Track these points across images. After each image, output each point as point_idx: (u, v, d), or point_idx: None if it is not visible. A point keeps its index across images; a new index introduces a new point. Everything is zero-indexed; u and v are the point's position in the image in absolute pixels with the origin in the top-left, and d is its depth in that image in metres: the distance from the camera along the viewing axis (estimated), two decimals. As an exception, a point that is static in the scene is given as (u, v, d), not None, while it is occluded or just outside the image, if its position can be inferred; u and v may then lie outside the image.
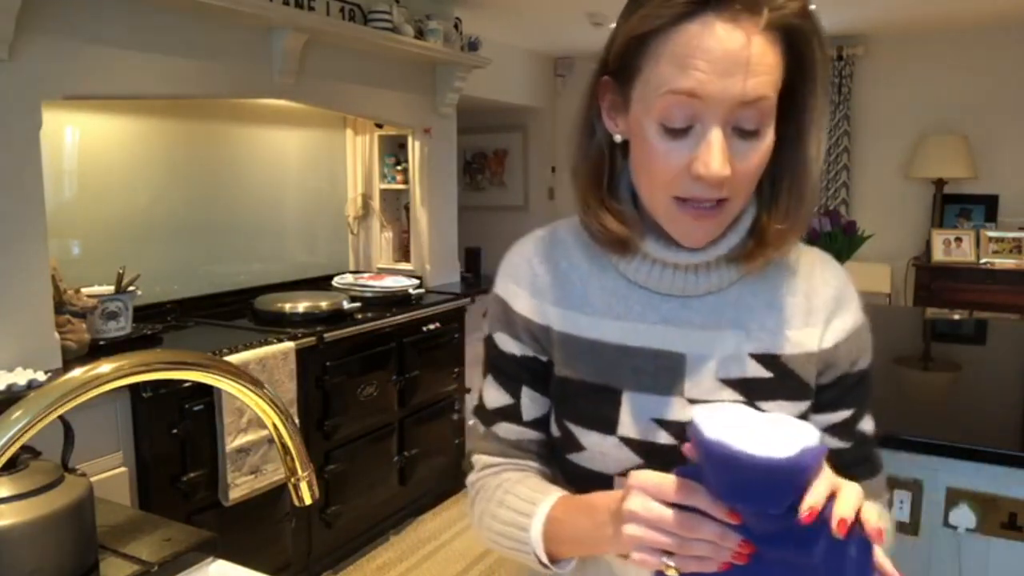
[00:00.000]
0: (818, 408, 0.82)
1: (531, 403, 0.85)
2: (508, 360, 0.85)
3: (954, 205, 4.63)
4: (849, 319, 0.81)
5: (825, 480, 0.61)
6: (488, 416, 0.87)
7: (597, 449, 0.79)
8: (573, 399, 0.81)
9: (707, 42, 0.65)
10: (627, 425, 0.78)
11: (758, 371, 0.78)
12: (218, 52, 2.59)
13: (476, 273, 4.15)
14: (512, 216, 5.55)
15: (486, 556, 2.93)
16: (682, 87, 0.66)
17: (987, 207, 4.58)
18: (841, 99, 4.83)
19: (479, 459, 0.88)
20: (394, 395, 3.04)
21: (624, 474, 0.77)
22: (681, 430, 0.76)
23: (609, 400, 0.78)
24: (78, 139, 2.55)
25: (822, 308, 0.80)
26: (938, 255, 4.42)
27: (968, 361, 2.22)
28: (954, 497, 1.40)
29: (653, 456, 0.77)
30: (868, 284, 4.69)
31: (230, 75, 2.65)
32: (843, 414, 0.82)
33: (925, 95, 4.69)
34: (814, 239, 2.29)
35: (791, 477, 0.59)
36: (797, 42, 0.69)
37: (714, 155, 0.67)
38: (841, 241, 2.31)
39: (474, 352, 3.61)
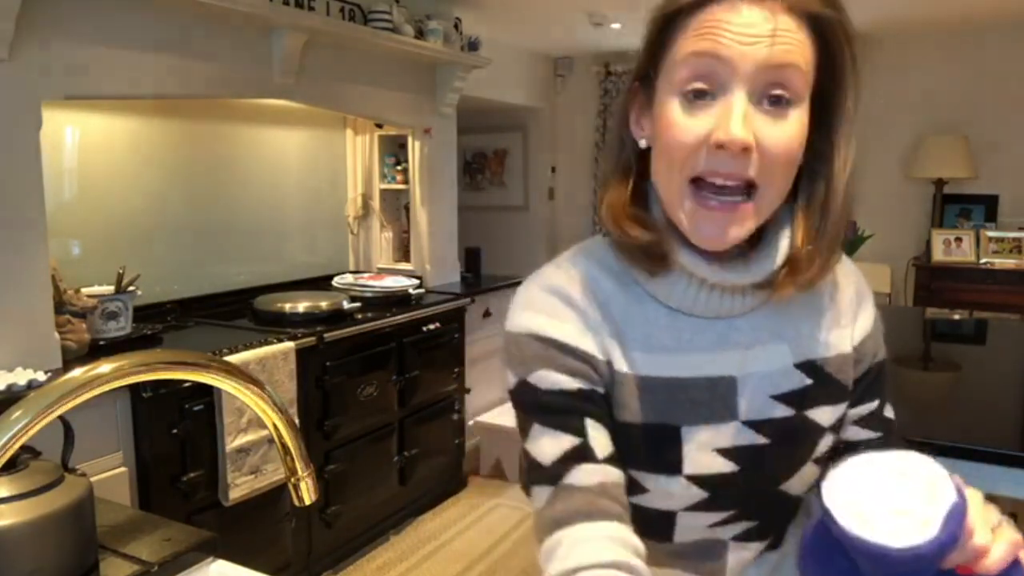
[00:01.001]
0: (851, 403, 0.82)
1: (601, 437, 0.71)
2: (560, 396, 0.71)
3: (954, 205, 4.63)
4: (869, 313, 0.83)
5: (979, 535, 0.57)
6: (551, 471, 0.69)
7: (663, 491, 0.75)
8: (630, 444, 0.74)
9: (730, 16, 0.65)
10: (692, 463, 0.74)
11: (802, 380, 0.77)
12: (218, 52, 2.59)
13: (476, 273, 4.15)
14: (512, 216, 5.55)
15: (486, 556, 2.93)
16: (703, 48, 0.65)
17: (987, 207, 4.58)
18: (841, 99, 4.82)
19: (555, 542, 0.66)
20: (394, 395, 3.04)
21: (688, 509, 0.76)
22: (740, 454, 0.75)
23: (669, 440, 0.74)
24: (78, 139, 2.55)
25: (848, 307, 0.82)
26: (938, 255, 4.42)
27: (968, 361, 2.22)
28: (954, 497, 1.40)
29: (719, 487, 0.75)
30: (868, 284, 4.68)
31: (230, 75, 2.64)
32: (871, 405, 0.83)
33: (925, 95, 4.69)
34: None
35: (940, 554, 0.56)
36: (827, 36, 0.68)
37: (735, 119, 0.64)
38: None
39: (474, 352, 3.61)
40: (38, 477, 0.86)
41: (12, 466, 0.85)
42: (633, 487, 0.75)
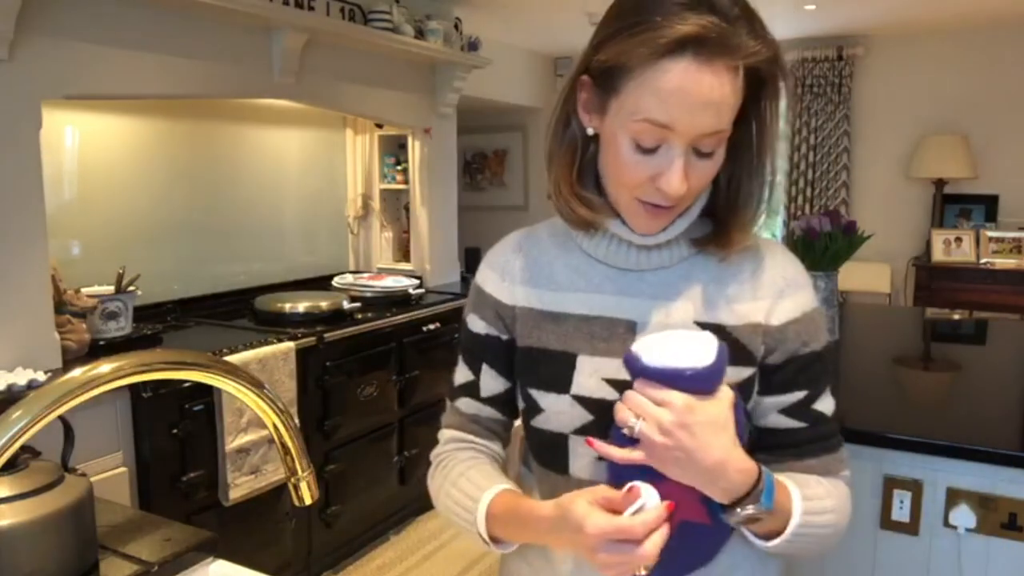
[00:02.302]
0: (771, 389, 0.86)
1: (490, 380, 0.94)
2: (474, 339, 0.95)
3: (954, 205, 4.63)
4: (801, 302, 0.87)
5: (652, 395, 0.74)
6: (453, 392, 0.98)
7: (553, 409, 0.86)
8: (534, 366, 0.89)
9: (685, 84, 0.73)
10: (580, 384, 0.85)
11: None
12: (218, 52, 2.59)
13: (476, 273, 4.15)
14: (512, 216, 5.55)
15: (486, 556, 2.93)
16: (658, 119, 0.74)
17: (987, 207, 4.58)
18: (841, 99, 4.83)
19: (443, 433, 0.98)
20: (394, 395, 3.04)
21: (578, 432, 0.85)
22: (626, 386, 0.84)
23: (565, 364, 0.86)
24: (78, 139, 2.55)
25: (769, 285, 0.87)
26: (938, 255, 4.42)
27: (968, 361, 2.22)
28: (954, 497, 1.40)
29: (603, 413, 0.83)
30: (868, 284, 4.69)
31: (230, 75, 2.65)
32: (797, 395, 0.86)
33: (925, 95, 4.69)
34: (814, 239, 2.29)
35: (632, 370, 0.76)
36: (763, 75, 0.78)
37: (675, 176, 0.76)
38: (841, 241, 2.31)
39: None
40: (38, 477, 0.86)
41: (12, 466, 0.85)
42: (532, 409, 0.89)
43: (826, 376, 0.88)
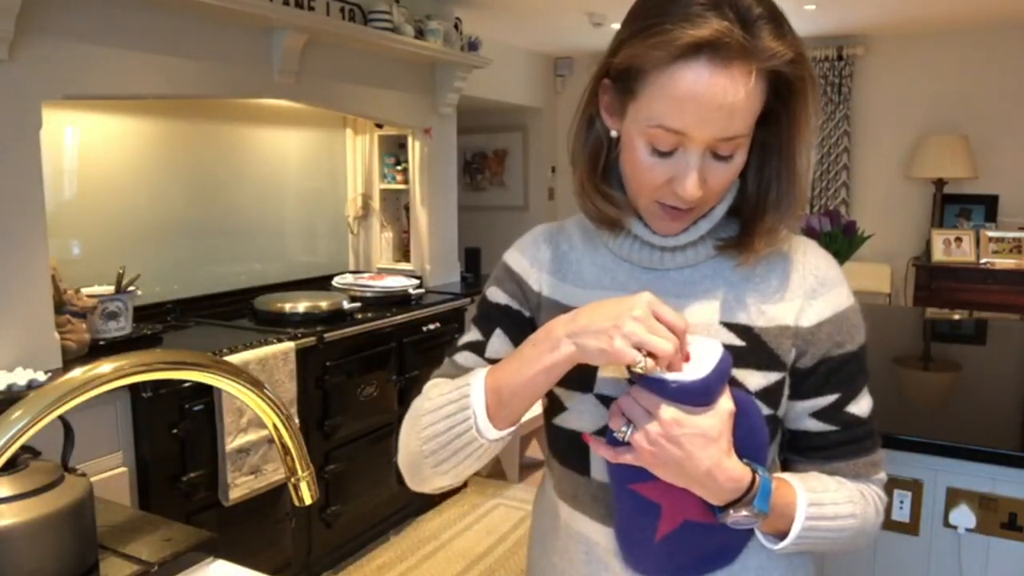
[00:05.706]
0: (803, 394, 0.84)
1: (499, 344, 0.91)
2: (492, 307, 0.94)
3: (954, 205, 4.63)
4: (834, 301, 0.84)
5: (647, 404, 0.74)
6: (455, 349, 0.95)
7: (576, 408, 0.86)
8: None
9: (698, 90, 0.71)
10: (603, 384, 0.84)
11: (730, 339, 0.82)
12: (218, 52, 2.59)
13: (476, 273, 4.15)
14: (512, 216, 5.55)
15: (486, 556, 2.93)
16: (672, 126, 0.74)
17: (987, 207, 4.58)
18: (841, 99, 4.83)
19: (428, 383, 0.91)
20: (394, 395, 3.04)
21: (599, 432, 0.84)
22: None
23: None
24: (78, 139, 2.55)
25: (801, 285, 0.84)
26: (938, 255, 4.42)
27: (968, 361, 2.22)
28: (954, 497, 1.40)
29: None
30: (868, 284, 4.69)
31: (230, 75, 2.65)
32: (829, 398, 0.84)
33: (925, 95, 4.69)
34: (814, 239, 2.29)
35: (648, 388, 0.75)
36: (787, 78, 0.75)
37: (690, 180, 0.76)
38: (841, 241, 2.31)
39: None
40: (38, 477, 0.86)
41: (12, 466, 0.85)
42: (555, 407, 0.88)
43: (861, 377, 0.86)
